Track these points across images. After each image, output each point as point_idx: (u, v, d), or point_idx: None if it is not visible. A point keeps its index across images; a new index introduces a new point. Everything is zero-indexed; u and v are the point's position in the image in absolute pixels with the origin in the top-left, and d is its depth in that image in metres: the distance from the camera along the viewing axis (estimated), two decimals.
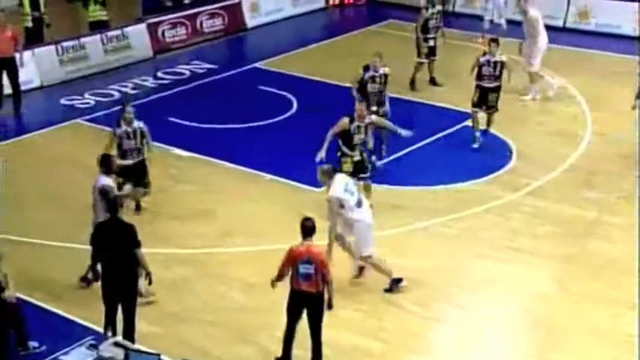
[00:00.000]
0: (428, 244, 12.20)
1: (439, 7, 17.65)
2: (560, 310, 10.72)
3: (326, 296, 9.43)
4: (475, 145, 14.87)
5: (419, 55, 17.59)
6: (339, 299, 9.64)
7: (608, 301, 10.76)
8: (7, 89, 16.85)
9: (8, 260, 9.75)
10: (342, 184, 10.87)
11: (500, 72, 14.97)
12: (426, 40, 17.47)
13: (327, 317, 9.44)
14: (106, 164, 10.68)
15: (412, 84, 17.68)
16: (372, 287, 11.10)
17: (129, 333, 9.66)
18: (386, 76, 14.52)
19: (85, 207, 10.99)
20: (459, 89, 16.90)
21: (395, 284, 11.05)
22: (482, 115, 15.18)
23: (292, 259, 9.40)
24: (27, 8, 18.26)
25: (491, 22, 20.68)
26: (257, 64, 19.25)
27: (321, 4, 23.58)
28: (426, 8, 17.53)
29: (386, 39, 20.68)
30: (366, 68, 14.54)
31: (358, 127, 12.69)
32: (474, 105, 15.09)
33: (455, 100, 16.80)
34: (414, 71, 17.66)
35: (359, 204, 10.90)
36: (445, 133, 15.69)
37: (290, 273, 9.42)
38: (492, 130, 15.35)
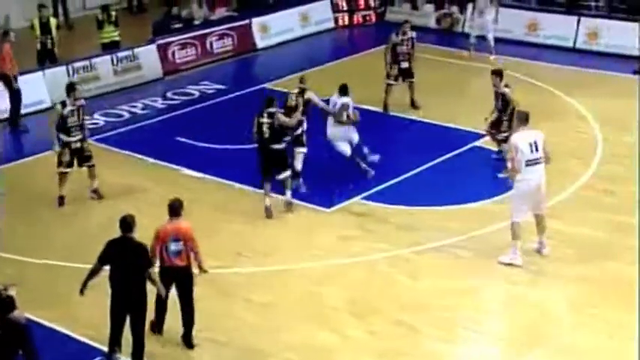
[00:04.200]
0: (441, 264, 12.10)
1: (411, 34, 17.40)
2: (577, 333, 10.58)
3: (195, 270, 10.12)
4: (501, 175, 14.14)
5: (387, 76, 17.46)
6: (353, 321, 9.54)
7: (624, 322, 10.61)
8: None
9: (17, 280, 9.68)
10: (526, 137, 11.64)
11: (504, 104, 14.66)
12: (398, 62, 17.33)
13: (339, 340, 9.32)
14: None
15: (384, 107, 17.52)
16: (385, 309, 11.00)
17: (138, 353, 9.60)
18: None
19: (95, 226, 10.97)
20: (468, 109, 16.88)
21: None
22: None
23: (162, 239, 9.87)
24: (37, 31, 18.32)
25: (479, 37, 20.66)
26: (266, 85, 19.24)
27: (331, 24, 23.62)
28: (397, 34, 17.43)
29: None
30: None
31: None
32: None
33: (462, 120, 16.75)
34: (385, 94, 17.49)
35: (533, 163, 11.52)
36: (455, 152, 15.61)
37: (159, 252, 9.90)
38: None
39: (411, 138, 16.58)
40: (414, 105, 17.67)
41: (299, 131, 13.94)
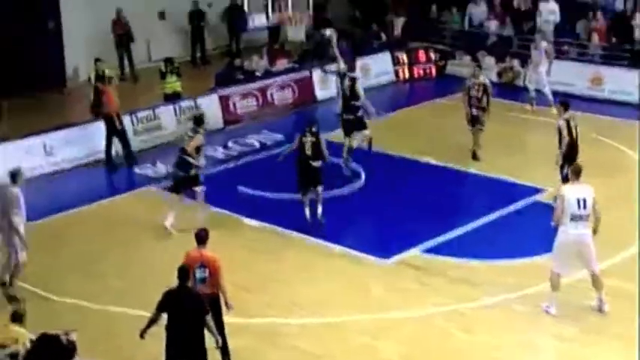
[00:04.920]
0: (496, 319, 11.95)
1: (483, 80, 17.65)
2: None
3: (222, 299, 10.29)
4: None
5: (467, 122, 17.75)
6: None
7: None
8: None
9: (78, 326, 9.82)
10: (576, 191, 11.59)
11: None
12: (470, 107, 17.54)
13: None
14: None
15: (473, 154, 17.71)
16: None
17: None
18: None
19: (154, 272, 11.08)
20: (529, 163, 16.78)
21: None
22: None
23: (188, 265, 10.02)
24: (93, 83, 18.67)
25: (537, 91, 20.58)
26: (326, 136, 19.32)
27: (391, 77, 23.75)
28: (469, 77, 17.84)
29: (456, 112, 20.64)
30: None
31: None
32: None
33: (522, 174, 16.63)
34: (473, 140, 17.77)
35: (578, 219, 11.45)
36: (515, 207, 15.48)
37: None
38: None
39: (471, 191, 16.50)
40: (474, 156, 17.63)
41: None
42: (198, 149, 14.65)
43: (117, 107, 17.75)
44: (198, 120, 15.13)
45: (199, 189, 14.70)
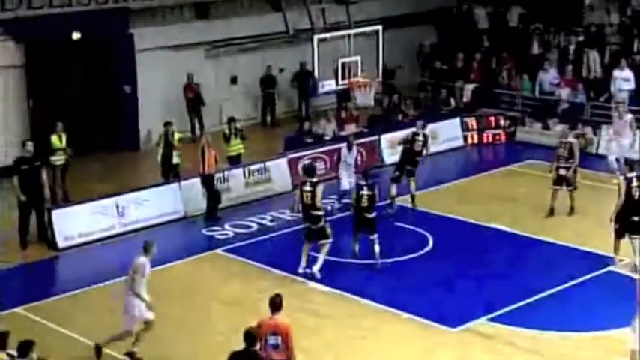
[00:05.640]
0: None
1: (571, 140, 18.03)
2: None
3: None
4: None
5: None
6: None
7: None
8: None
9: None
10: None
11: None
12: (557, 168, 17.78)
13: None
14: None
15: (550, 211, 17.90)
16: None
17: None
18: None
19: (217, 336, 11.01)
20: (602, 231, 16.44)
21: None
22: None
23: (261, 332, 10.19)
24: (161, 146, 19.18)
25: (617, 160, 20.23)
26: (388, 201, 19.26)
27: (460, 142, 23.66)
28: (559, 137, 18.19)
29: (526, 179, 20.47)
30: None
31: None
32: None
33: (597, 242, 16.31)
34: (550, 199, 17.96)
35: None
36: (589, 276, 15.14)
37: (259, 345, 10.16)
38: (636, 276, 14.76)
39: (542, 259, 16.20)
40: (571, 211, 17.92)
41: None
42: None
43: (215, 168, 18.28)
44: (310, 170, 15.73)
45: (325, 241, 15.26)
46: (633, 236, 15.29)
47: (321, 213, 15.29)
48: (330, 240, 15.30)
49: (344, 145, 19.03)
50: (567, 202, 17.92)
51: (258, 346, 9.93)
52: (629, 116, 20.48)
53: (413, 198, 18.60)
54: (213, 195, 18.41)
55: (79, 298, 14.79)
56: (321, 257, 15.24)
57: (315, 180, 15.31)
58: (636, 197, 15.19)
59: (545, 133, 23.15)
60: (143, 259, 12.42)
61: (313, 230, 15.27)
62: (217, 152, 18.49)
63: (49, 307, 14.34)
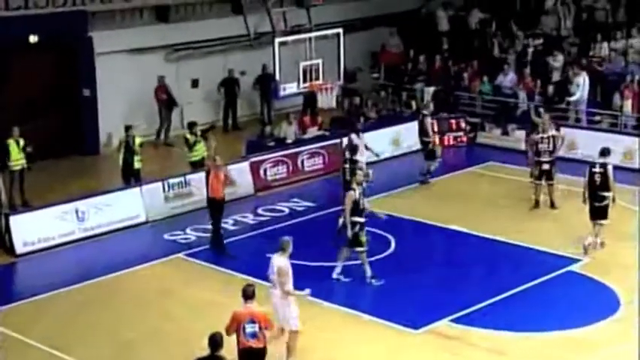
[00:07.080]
0: None
1: (551, 133, 18.00)
2: None
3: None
4: None
5: (530, 175, 18.24)
6: None
7: None
8: None
9: None
10: None
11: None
12: (539, 163, 17.87)
13: None
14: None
15: (535, 203, 18.17)
16: None
17: None
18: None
19: (182, 342, 10.95)
20: (563, 233, 16.62)
21: None
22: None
23: (238, 321, 10.62)
24: (121, 150, 18.88)
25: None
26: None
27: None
28: (537, 132, 17.98)
29: (486, 180, 20.62)
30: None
31: None
32: None
33: (557, 244, 16.45)
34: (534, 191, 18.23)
35: None
36: (549, 277, 15.25)
37: (236, 334, 10.62)
38: (596, 277, 14.97)
39: (504, 259, 16.30)
40: (552, 205, 18.15)
41: None
42: None
43: (221, 193, 16.80)
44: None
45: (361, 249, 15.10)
46: (595, 221, 15.94)
47: (355, 219, 15.08)
48: (364, 249, 15.15)
49: (352, 135, 19.15)
50: (547, 196, 18.17)
51: (221, 352, 9.84)
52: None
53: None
54: (213, 223, 16.96)
55: (38, 305, 14.59)
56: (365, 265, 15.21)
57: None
58: (597, 183, 15.76)
59: (504, 139, 23.24)
60: (283, 260, 12.38)
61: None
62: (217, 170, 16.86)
63: (7, 314, 14.11)
